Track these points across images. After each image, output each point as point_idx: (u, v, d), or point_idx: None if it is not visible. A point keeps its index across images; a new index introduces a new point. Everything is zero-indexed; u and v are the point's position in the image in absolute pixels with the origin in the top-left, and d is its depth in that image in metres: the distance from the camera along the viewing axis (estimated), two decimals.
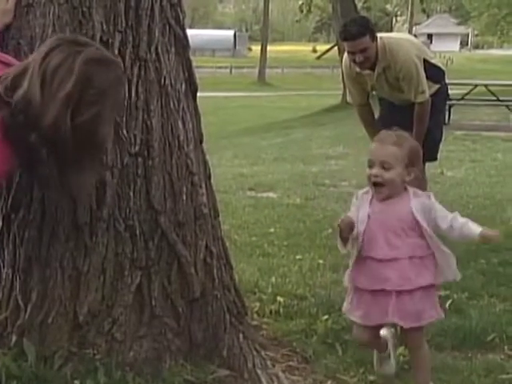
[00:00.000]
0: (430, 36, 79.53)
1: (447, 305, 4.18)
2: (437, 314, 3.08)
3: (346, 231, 2.98)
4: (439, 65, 5.65)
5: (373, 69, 5.30)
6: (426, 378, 3.15)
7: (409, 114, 5.32)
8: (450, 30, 79.41)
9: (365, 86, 5.51)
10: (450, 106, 14.96)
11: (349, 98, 5.89)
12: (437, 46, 67.35)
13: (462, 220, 2.97)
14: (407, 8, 59.77)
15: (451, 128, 13.83)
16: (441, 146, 5.77)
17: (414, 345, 3.16)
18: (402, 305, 2.97)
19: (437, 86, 5.50)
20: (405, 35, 6.76)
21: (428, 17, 77.52)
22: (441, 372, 3.36)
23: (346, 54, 5.42)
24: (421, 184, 5.56)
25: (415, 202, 2.98)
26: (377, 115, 5.80)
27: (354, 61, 5.25)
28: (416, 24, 68.29)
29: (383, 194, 3.00)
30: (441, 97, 5.63)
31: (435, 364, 3.42)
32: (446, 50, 59.63)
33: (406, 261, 2.97)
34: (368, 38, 5.13)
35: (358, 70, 5.36)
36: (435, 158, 5.77)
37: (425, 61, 5.36)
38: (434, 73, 5.48)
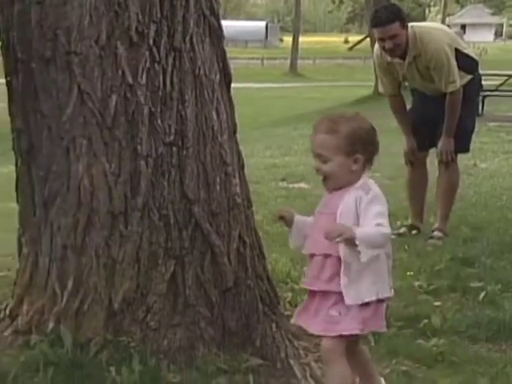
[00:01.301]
0: (463, 26, 78.53)
1: (481, 297, 4.16)
2: (356, 328, 2.59)
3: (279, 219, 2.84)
4: (472, 55, 5.59)
5: (403, 58, 5.28)
6: None
7: (441, 104, 5.29)
8: (484, 20, 78.47)
9: (396, 75, 5.48)
10: (484, 97, 14.77)
11: (380, 88, 5.87)
12: (470, 36, 66.54)
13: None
14: None
15: (485, 119, 13.67)
16: (474, 137, 5.71)
17: (324, 357, 2.79)
18: (308, 305, 2.73)
19: (469, 77, 5.44)
20: (437, 25, 6.70)
21: (462, 7, 76.61)
22: (475, 364, 3.34)
23: (377, 44, 5.40)
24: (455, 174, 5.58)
25: (349, 198, 2.61)
26: (409, 106, 5.77)
27: (384, 48, 5.23)
28: (449, 14, 67.44)
29: (329, 187, 2.71)
30: (474, 87, 5.57)
31: (469, 356, 3.41)
32: (479, 41, 58.99)
33: (319, 258, 2.67)
34: (398, 24, 5.11)
35: (388, 59, 5.34)
36: (467, 149, 5.71)
37: (457, 51, 5.31)
38: (467, 63, 5.43)
